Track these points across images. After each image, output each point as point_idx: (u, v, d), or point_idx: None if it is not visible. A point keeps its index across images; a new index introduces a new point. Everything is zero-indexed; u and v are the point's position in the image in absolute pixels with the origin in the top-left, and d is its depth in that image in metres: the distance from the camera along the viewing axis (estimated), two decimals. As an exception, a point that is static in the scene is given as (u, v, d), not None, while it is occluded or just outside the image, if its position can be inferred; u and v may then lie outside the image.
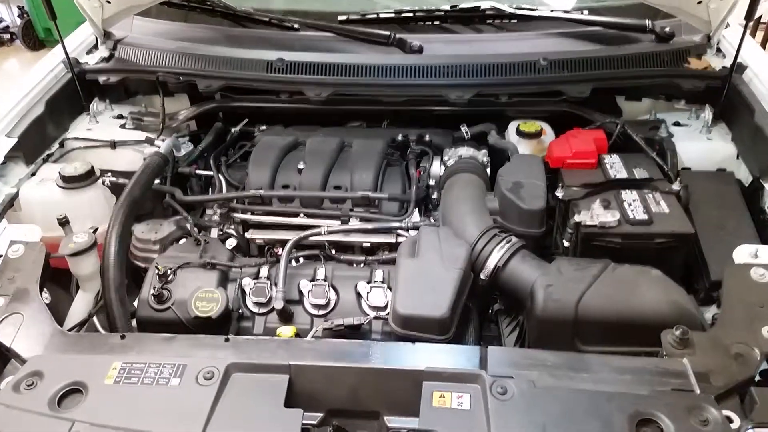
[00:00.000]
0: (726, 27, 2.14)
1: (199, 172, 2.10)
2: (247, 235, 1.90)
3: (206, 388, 1.17)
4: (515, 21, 2.20)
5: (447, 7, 2.18)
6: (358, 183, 1.88)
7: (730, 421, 1.10)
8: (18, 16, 7.51)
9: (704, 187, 1.81)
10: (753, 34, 4.87)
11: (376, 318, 1.56)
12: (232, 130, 2.25)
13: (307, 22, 2.22)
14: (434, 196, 1.94)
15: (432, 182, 1.95)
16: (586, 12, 2.17)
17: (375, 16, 2.19)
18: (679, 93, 2.12)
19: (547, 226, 1.73)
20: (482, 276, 1.55)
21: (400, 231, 1.79)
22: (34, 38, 7.43)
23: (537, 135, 1.97)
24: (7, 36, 7.76)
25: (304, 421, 1.13)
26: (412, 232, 1.76)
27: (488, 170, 1.94)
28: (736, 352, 1.22)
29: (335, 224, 1.82)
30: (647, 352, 1.38)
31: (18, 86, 2.07)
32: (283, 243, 1.82)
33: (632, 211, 1.63)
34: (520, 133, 1.99)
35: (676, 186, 1.73)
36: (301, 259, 1.77)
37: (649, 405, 1.12)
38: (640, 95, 2.19)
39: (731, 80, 1.97)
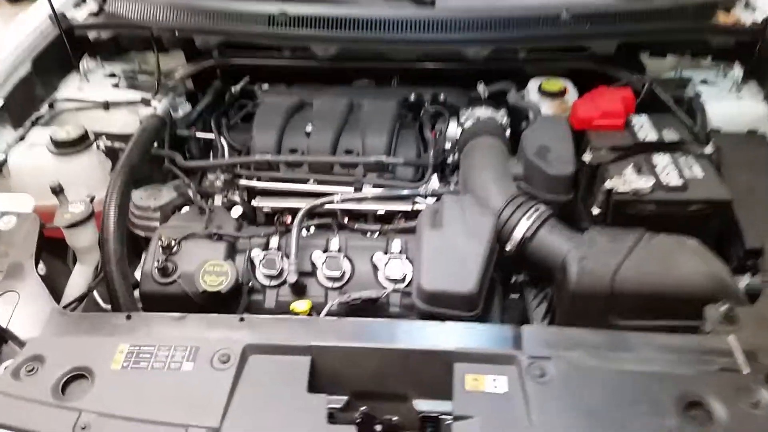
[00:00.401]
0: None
1: (199, 134, 1.97)
2: (254, 202, 1.79)
3: (222, 372, 1.09)
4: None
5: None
6: (371, 147, 1.77)
7: (782, 402, 1.04)
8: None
9: (735, 149, 1.71)
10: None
11: (394, 291, 1.47)
12: (232, 89, 2.12)
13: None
14: (450, 160, 1.84)
15: (448, 145, 1.84)
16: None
17: (384, -35, 2.04)
18: (707, 49, 2.01)
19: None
20: (508, 247, 1.46)
21: (418, 198, 1.69)
22: (13, -11, 7.11)
23: (561, 94, 1.85)
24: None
25: (329, 405, 1.06)
26: (430, 200, 1.66)
27: (508, 132, 1.83)
28: (784, 328, 1.15)
29: (348, 191, 1.71)
30: (684, 326, 1.32)
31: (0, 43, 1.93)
32: (292, 211, 1.72)
33: (666, 176, 1.53)
34: (542, 92, 1.87)
35: (708, 149, 1.64)
36: (312, 229, 1.67)
37: (696, 386, 1.06)
38: (665, 51, 2.07)
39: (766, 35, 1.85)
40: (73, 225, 1.48)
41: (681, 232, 1.43)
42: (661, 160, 1.59)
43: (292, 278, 1.46)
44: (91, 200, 1.55)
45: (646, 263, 1.34)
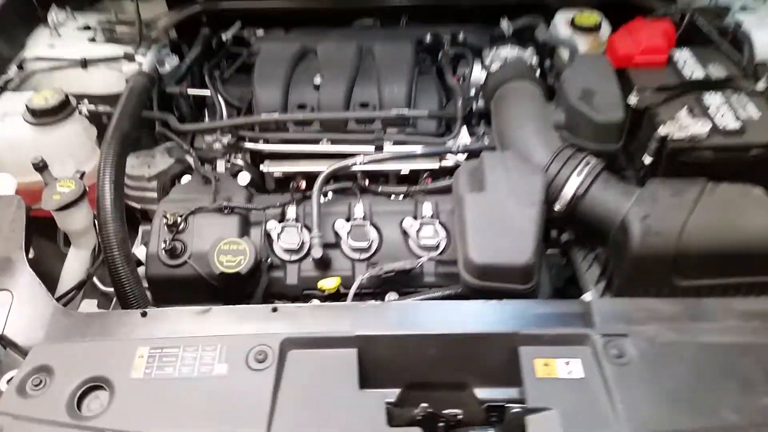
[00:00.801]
0: None
1: (191, 91, 1.76)
2: (263, 167, 1.62)
3: (261, 372, 0.95)
4: None
5: None
6: (389, 99, 1.59)
7: None
8: None
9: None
10: None
11: (429, 260, 1.34)
12: (223, 36, 1.90)
13: None
14: (474, 108, 1.66)
15: (472, 92, 1.67)
16: None
17: None
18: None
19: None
20: (557, 207, 1.32)
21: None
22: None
23: (596, 28, 1.66)
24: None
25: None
26: (461, 156, 1.50)
27: (538, 73, 1.65)
28: None
29: (368, 150, 1.54)
30: (751, 283, 1.21)
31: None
32: (306, 175, 1.55)
33: (721, 118, 1.38)
34: (575, 26, 1.68)
35: (762, 84, 1.49)
36: (330, 195, 1.51)
37: (788, 356, 0.95)
38: (698, -25, 1.89)
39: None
40: (64, 207, 1.30)
41: (740, 179, 1.30)
42: (713, 100, 1.44)
43: (318, 253, 1.32)
44: (81, 176, 1.36)
45: (713, 217, 1.22)
